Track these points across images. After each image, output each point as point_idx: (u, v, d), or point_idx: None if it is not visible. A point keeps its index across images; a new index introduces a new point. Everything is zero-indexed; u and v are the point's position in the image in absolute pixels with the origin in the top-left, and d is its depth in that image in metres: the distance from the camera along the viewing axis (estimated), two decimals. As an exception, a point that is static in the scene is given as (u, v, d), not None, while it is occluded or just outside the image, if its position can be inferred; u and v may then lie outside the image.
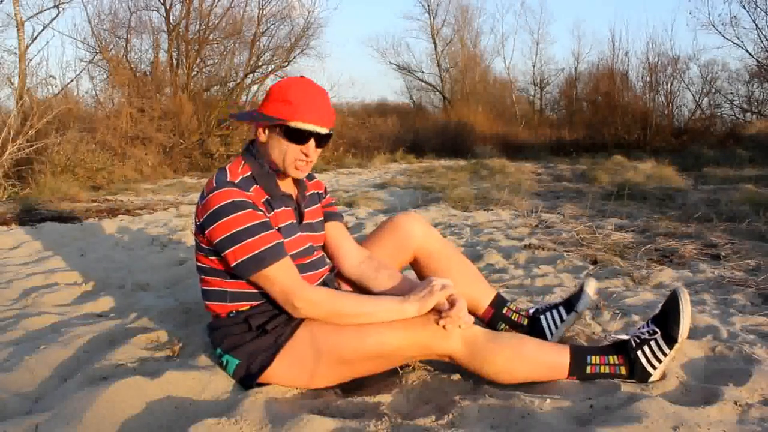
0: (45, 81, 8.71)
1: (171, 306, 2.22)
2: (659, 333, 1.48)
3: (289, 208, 1.58)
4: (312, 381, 1.48)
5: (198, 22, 12.70)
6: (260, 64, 14.10)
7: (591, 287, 1.77)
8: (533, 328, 1.75)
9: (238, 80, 13.56)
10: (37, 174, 6.38)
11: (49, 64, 15.37)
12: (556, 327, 1.74)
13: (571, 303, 1.76)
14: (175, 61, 12.41)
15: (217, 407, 1.38)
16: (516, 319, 1.78)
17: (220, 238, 1.41)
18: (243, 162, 1.53)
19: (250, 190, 1.49)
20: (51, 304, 2.29)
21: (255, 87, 14.25)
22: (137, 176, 8.39)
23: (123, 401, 1.32)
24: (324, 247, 1.72)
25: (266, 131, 1.51)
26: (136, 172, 8.49)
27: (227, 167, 1.52)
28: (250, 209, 1.42)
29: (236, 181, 1.47)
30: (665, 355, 1.46)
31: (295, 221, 1.58)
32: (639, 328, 1.54)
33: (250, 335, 1.49)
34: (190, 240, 3.69)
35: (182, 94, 11.31)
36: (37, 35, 9.47)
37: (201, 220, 1.46)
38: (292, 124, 1.44)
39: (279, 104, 1.46)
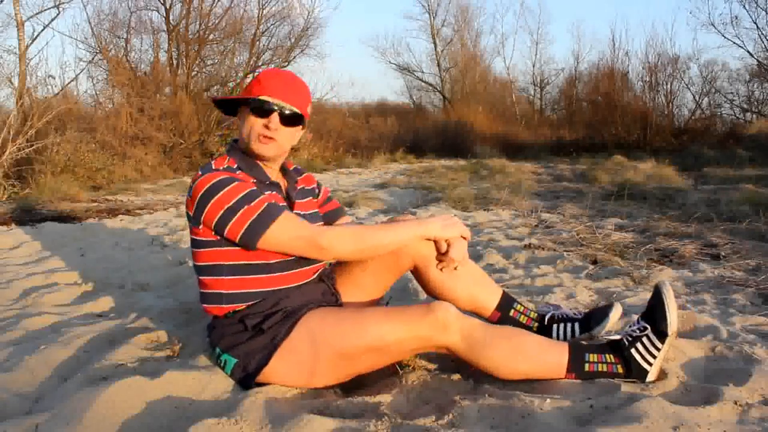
0: (45, 81, 8.71)
1: (171, 306, 2.22)
2: (649, 329, 1.48)
3: (278, 195, 1.60)
4: (312, 380, 1.47)
5: (198, 22, 12.70)
6: (260, 64, 14.11)
7: (615, 316, 1.70)
8: (542, 332, 1.70)
9: (238, 80, 13.55)
10: (37, 174, 6.38)
11: (49, 64, 15.39)
12: (565, 339, 1.71)
13: (588, 324, 1.70)
14: (175, 61, 12.40)
15: (217, 407, 1.38)
16: (524, 322, 1.73)
17: (216, 218, 1.44)
18: (228, 156, 1.58)
19: (236, 173, 1.53)
20: (51, 304, 2.29)
21: (255, 87, 14.24)
22: (137, 176, 8.39)
23: (123, 401, 1.32)
24: None
25: (240, 113, 1.58)
26: (136, 172, 8.48)
27: (212, 161, 1.57)
28: (238, 182, 1.47)
29: (221, 168, 1.52)
30: (658, 350, 1.46)
31: (285, 205, 1.59)
32: (630, 326, 1.54)
33: (247, 335, 1.49)
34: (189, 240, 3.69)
35: (182, 94, 11.30)
36: (37, 35, 9.48)
37: (193, 210, 1.49)
38: (257, 97, 1.51)
39: (251, 84, 1.56)
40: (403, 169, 11.61)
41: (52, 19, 9.93)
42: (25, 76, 8.34)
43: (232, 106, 1.64)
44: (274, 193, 1.58)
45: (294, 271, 1.55)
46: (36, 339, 1.82)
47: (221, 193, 1.44)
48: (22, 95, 7.40)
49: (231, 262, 1.50)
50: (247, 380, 1.48)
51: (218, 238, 1.48)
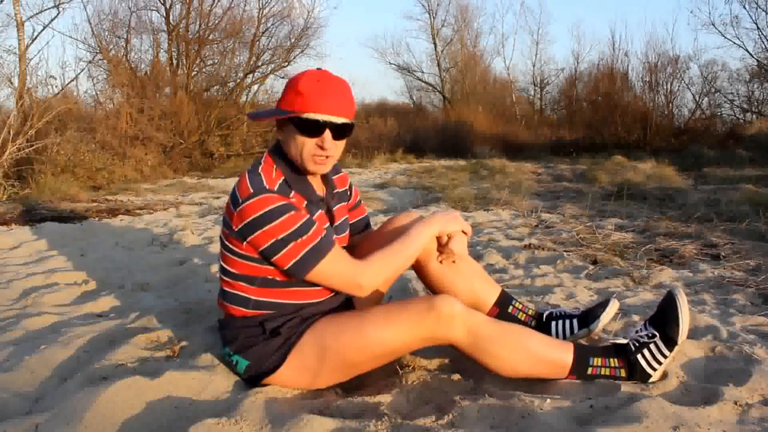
0: (45, 81, 8.71)
1: (171, 306, 2.22)
2: (658, 336, 1.46)
3: (323, 211, 1.56)
4: (315, 382, 1.48)
5: (198, 22, 12.70)
6: (260, 64, 14.10)
7: (611, 311, 1.71)
8: (541, 330, 1.71)
9: (238, 80, 13.56)
10: (37, 174, 6.38)
11: (49, 64, 15.39)
12: (564, 337, 1.72)
13: (586, 319, 1.71)
14: (175, 61, 12.40)
15: (217, 407, 1.38)
16: (523, 319, 1.74)
17: (267, 245, 1.38)
18: (275, 165, 1.48)
19: (290, 196, 1.46)
20: (51, 304, 2.29)
21: (255, 87, 14.28)
22: (137, 176, 8.38)
23: (123, 401, 1.32)
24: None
25: (283, 128, 1.46)
26: (136, 172, 8.48)
27: (261, 170, 1.45)
28: (293, 212, 1.38)
29: (274, 189, 1.42)
30: (665, 357, 1.46)
31: (329, 224, 1.57)
32: (637, 331, 1.52)
33: (262, 337, 1.48)
34: (190, 240, 3.69)
35: (182, 94, 11.30)
36: (37, 35, 9.46)
37: (238, 227, 1.40)
38: (304, 115, 1.39)
39: (291, 97, 1.41)
40: (403, 169, 11.60)
41: (52, 19, 9.93)
42: (25, 76, 8.34)
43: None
44: (322, 212, 1.54)
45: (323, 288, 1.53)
46: (36, 339, 1.82)
47: (275, 223, 1.36)
48: (22, 95, 7.40)
49: (265, 276, 1.47)
50: (256, 379, 1.49)
51: (259, 256, 1.43)
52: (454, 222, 1.64)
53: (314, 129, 1.40)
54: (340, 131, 1.43)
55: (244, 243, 1.42)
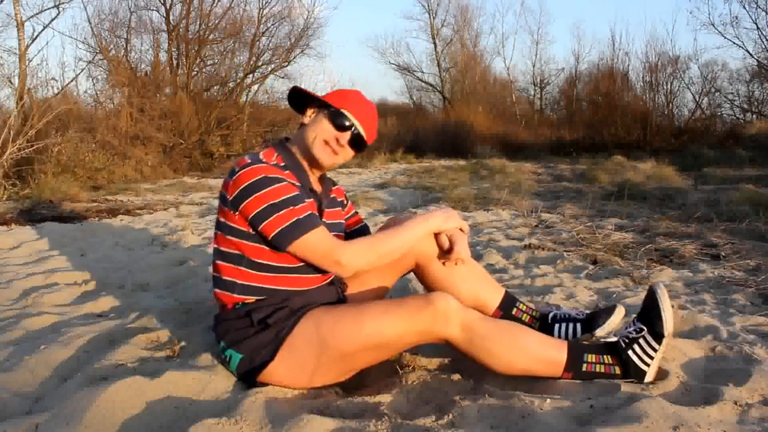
0: (45, 81, 8.71)
1: (171, 306, 2.22)
2: (646, 330, 1.48)
3: (315, 204, 1.60)
4: (313, 377, 1.47)
5: (198, 22, 12.72)
6: (260, 64, 14.12)
7: (617, 318, 1.71)
8: (544, 332, 1.70)
9: (238, 80, 13.57)
10: (37, 174, 6.38)
11: (49, 64, 15.40)
12: (567, 338, 1.71)
13: (591, 324, 1.70)
14: (175, 61, 12.42)
15: (217, 407, 1.38)
16: (527, 321, 1.74)
17: (256, 211, 1.45)
18: (276, 153, 1.59)
19: (285, 174, 1.53)
20: (51, 304, 2.29)
21: (255, 87, 14.29)
22: (137, 176, 8.39)
23: (123, 401, 1.32)
24: None
25: (315, 113, 1.60)
26: (136, 172, 8.49)
27: (260, 153, 1.57)
28: (286, 183, 1.48)
29: (271, 163, 1.52)
30: (655, 350, 1.46)
31: (317, 215, 1.60)
32: (626, 328, 1.54)
33: (253, 330, 1.49)
34: (190, 240, 3.69)
35: (182, 94, 11.30)
36: (37, 35, 9.48)
37: (232, 195, 1.48)
38: (343, 110, 1.56)
39: (335, 96, 1.60)
40: (403, 169, 11.61)
41: (52, 19, 9.94)
42: (25, 77, 8.34)
43: (302, 102, 1.65)
44: (312, 201, 1.58)
45: (311, 275, 1.55)
46: (36, 339, 1.82)
47: (268, 188, 1.45)
48: (22, 95, 7.40)
49: (253, 258, 1.51)
50: (250, 375, 1.49)
51: (249, 230, 1.49)
52: (453, 220, 1.66)
53: (342, 124, 1.56)
54: (356, 142, 1.59)
55: (237, 213, 1.48)
